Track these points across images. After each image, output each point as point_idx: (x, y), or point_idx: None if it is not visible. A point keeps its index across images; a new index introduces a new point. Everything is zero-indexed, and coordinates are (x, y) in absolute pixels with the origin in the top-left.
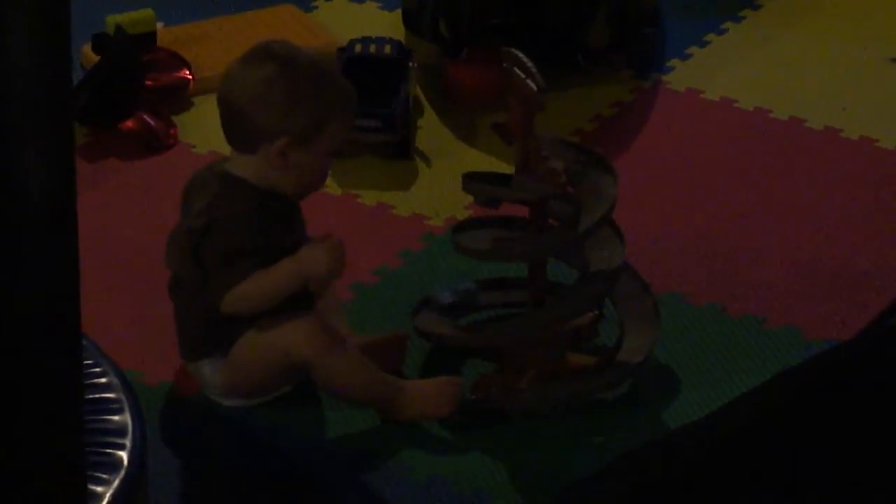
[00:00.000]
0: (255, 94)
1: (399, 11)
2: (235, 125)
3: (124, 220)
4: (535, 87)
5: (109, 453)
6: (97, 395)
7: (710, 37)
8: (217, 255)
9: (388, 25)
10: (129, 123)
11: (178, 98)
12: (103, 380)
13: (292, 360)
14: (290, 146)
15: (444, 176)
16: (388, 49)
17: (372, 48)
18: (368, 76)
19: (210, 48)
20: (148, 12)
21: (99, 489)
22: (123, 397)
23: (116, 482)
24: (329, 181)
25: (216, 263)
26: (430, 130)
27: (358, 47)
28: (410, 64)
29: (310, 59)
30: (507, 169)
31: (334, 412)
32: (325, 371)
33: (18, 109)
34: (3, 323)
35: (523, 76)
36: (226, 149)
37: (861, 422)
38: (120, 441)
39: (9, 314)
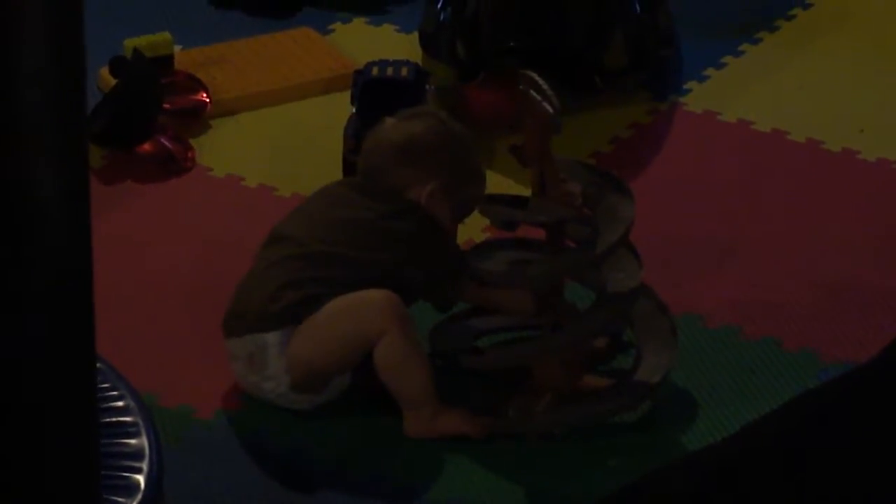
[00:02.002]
0: (416, 137)
1: (416, 34)
2: (389, 168)
3: (141, 242)
4: (550, 110)
5: (126, 477)
6: (114, 419)
7: (727, 59)
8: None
9: (405, 48)
10: (147, 146)
11: (196, 121)
12: (120, 403)
13: (366, 330)
14: (437, 191)
15: None
16: (404, 72)
17: (389, 71)
18: (385, 99)
19: (228, 71)
20: (165, 35)
21: None
22: (140, 420)
23: None
24: None
25: (448, 259)
26: None
27: (375, 70)
28: (427, 87)
29: (464, 130)
30: (524, 191)
31: (353, 438)
32: (391, 345)
33: (31, 122)
34: (17, 344)
35: (538, 98)
36: (243, 171)
37: (879, 443)
38: (137, 465)
39: (22, 335)
